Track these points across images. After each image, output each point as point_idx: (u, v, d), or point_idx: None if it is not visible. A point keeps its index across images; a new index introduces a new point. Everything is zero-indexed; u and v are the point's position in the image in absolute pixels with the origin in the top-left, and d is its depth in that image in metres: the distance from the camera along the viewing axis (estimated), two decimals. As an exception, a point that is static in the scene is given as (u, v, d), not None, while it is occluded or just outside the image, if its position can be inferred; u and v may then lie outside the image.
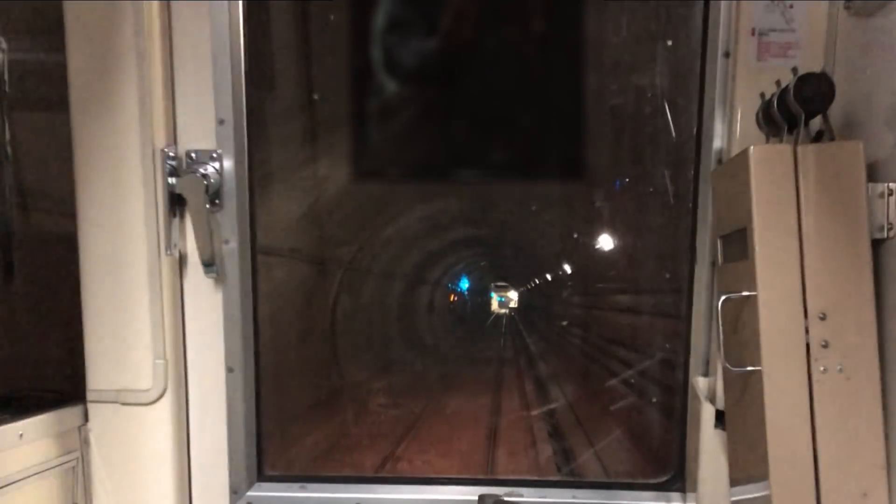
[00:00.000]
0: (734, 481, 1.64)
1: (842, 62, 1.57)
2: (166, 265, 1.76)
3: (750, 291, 1.41)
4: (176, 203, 1.78)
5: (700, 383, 1.81)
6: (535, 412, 5.07)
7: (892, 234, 1.37)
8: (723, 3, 1.68)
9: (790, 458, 1.36)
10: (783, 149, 1.40)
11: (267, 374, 2.02)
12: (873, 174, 1.38)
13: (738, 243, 1.50)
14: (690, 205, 1.88)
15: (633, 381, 3.33)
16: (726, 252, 1.63)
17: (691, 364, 1.88)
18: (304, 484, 1.99)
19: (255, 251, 1.94)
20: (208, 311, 1.86)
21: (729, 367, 1.50)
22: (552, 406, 5.20)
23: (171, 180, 1.75)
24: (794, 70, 1.45)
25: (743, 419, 1.55)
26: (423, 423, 4.63)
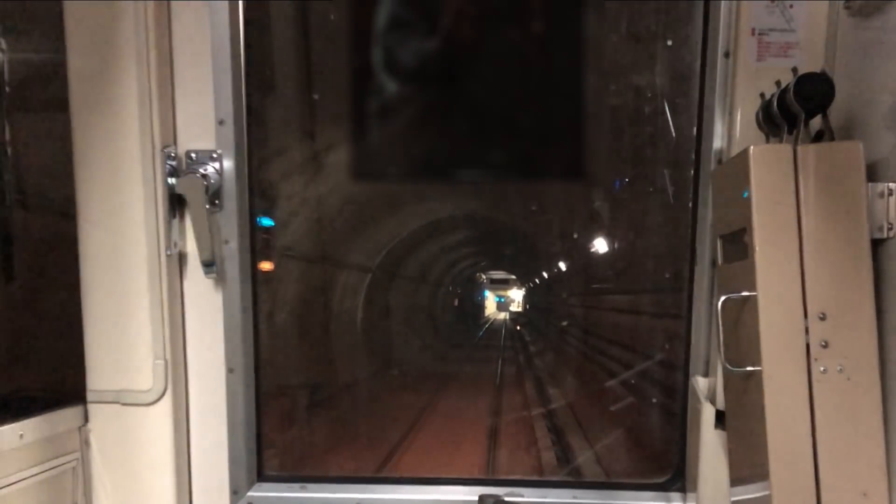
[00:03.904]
0: (734, 481, 1.64)
1: (842, 62, 1.57)
2: (166, 265, 1.76)
3: (750, 291, 1.41)
4: (176, 203, 1.78)
5: (700, 383, 1.81)
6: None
7: (892, 234, 1.37)
8: (723, 3, 1.68)
9: (790, 458, 1.36)
10: (783, 149, 1.40)
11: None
12: (873, 174, 1.38)
13: (738, 243, 1.50)
14: (690, 205, 1.88)
15: (652, 384, 3.26)
16: (726, 252, 1.63)
17: (691, 364, 1.88)
18: (304, 484, 1.99)
19: (255, 251, 1.94)
20: (208, 311, 1.86)
21: (729, 367, 1.50)
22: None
23: (171, 180, 1.76)
24: (794, 70, 1.45)
25: (743, 419, 1.55)
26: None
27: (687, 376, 1.90)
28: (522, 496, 1.93)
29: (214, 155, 1.80)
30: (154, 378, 1.77)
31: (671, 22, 2.36)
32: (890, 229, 1.37)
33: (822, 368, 1.36)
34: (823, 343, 1.36)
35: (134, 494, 1.81)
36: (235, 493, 1.92)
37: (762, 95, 1.57)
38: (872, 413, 1.35)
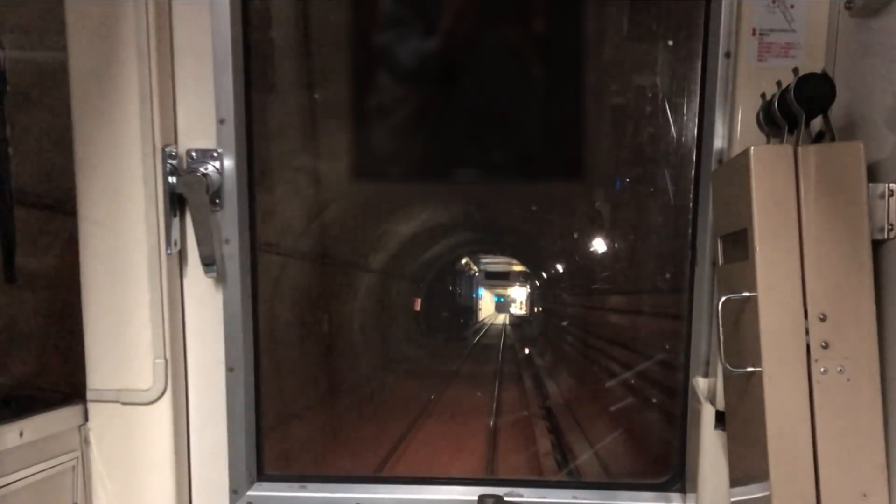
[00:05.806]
0: (734, 481, 1.64)
1: (843, 62, 1.57)
2: (166, 264, 1.76)
3: (750, 292, 1.41)
4: (176, 202, 1.78)
5: (700, 384, 1.81)
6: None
7: (892, 234, 1.37)
8: (724, 3, 1.68)
9: (790, 458, 1.36)
10: (784, 149, 1.40)
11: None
12: (874, 175, 1.38)
13: (738, 244, 1.50)
14: (691, 205, 1.88)
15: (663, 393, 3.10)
16: (726, 252, 1.63)
17: (691, 364, 1.88)
18: (304, 483, 1.99)
19: (256, 251, 1.94)
20: (208, 311, 1.86)
21: (729, 367, 1.50)
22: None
23: (172, 179, 1.75)
24: (795, 70, 1.45)
25: (743, 419, 1.55)
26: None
27: (687, 377, 1.90)
28: (522, 496, 1.93)
29: (215, 154, 1.80)
30: (154, 377, 1.77)
31: (671, 22, 2.36)
32: (890, 230, 1.37)
33: (822, 369, 1.36)
34: (824, 344, 1.36)
35: (133, 493, 1.81)
36: (235, 492, 1.92)
37: (763, 96, 1.57)
38: (872, 413, 1.35)
